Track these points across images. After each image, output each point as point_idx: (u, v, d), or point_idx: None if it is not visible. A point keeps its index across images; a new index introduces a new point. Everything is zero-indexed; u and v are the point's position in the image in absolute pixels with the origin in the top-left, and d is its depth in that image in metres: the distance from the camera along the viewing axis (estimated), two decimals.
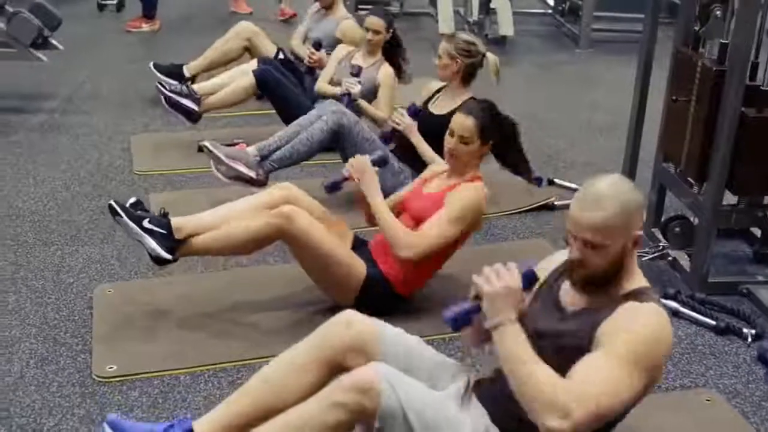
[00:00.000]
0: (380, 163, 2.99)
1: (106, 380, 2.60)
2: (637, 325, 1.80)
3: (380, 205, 2.87)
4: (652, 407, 2.58)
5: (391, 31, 4.25)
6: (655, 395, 2.63)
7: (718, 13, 3.22)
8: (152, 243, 2.78)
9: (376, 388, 1.86)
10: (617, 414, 1.82)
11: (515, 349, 1.81)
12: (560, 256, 2.09)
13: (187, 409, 2.49)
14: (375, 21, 4.21)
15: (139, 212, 2.84)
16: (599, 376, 1.75)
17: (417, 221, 2.91)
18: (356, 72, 4.12)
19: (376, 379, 1.88)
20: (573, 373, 1.78)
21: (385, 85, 4.17)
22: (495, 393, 1.99)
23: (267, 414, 1.99)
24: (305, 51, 4.74)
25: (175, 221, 2.83)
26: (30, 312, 2.96)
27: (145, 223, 2.79)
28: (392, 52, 4.27)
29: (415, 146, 3.65)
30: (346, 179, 2.97)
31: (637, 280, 1.93)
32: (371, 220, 2.99)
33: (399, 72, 4.25)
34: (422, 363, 2.11)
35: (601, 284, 1.91)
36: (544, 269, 2.10)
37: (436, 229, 2.82)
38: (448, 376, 2.11)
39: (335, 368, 2.07)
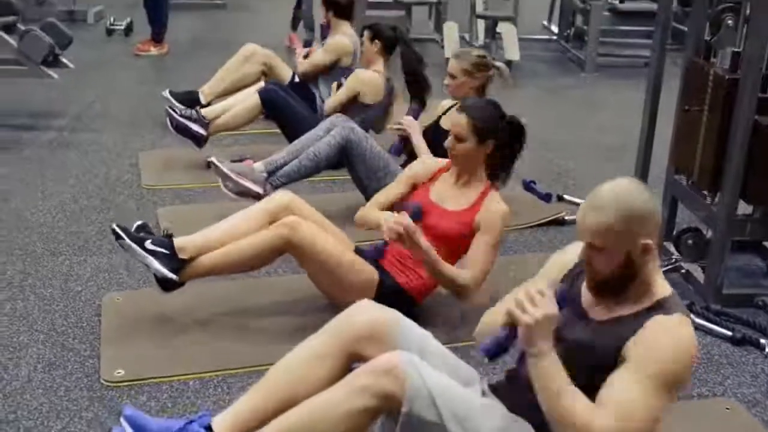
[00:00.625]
0: (417, 214, 2.85)
1: (115, 384, 2.56)
2: (667, 341, 1.75)
3: (437, 260, 2.72)
4: (672, 416, 2.54)
5: (377, 42, 4.26)
6: (674, 404, 2.60)
7: (729, 22, 3.22)
8: (156, 264, 2.75)
9: (400, 369, 1.82)
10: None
11: (552, 377, 1.76)
12: (568, 254, 2.07)
13: (196, 414, 2.44)
14: (364, 33, 4.33)
15: (142, 234, 2.81)
16: (631, 397, 1.71)
17: (440, 239, 2.84)
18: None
19: (401, 362, 1.84)
20: (606, 398, 1.74)
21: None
22: (515, 390, 1.95)
23: (287, 405, 1.95)
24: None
25: (178, 241, 2.80)
26: (38, 318, 2.93)
27: (148, 245, 2.76)
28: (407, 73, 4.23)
29: (415, 147, 3.61)
30: (386, 243, 2.81)
31: (659, 290, 1.86)
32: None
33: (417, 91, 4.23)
34: (436, 356, 2.06)
35: (613, 292, 1.86)
36: (557, 266, 2.08)
37: (484, 258, 2.81)
38: (462, 372, 2.08)
39: (353, 358, 2.03)
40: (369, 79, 4.28)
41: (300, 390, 1.98)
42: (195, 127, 4.39)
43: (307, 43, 4.80)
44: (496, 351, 1.85)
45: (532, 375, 1.79)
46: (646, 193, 1.82)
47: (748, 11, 3.15)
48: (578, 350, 1.85)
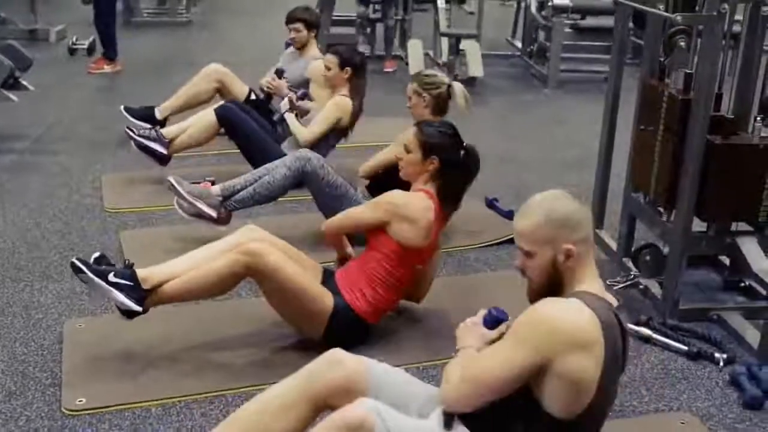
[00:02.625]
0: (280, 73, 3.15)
1: (76, 413, 2.55)
2: (530, 310, 1.87)
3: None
4: (627, 430, 2.60)
5: (348, 69, 4.21)
6: (631, 419, 2.66)
7: (682, 44, 3.30)
8: (120, 297, 2.72)
9: (369, 422, 1.86)
10: (501, 386, 1.86)
11: (462, 360, 2.00)
12: None
13: None
14: (328, 57, 4.25)
15: (103, 267, 2.78)
16: (488, 352, 1.94)
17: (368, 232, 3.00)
18: (301, 96, 4.34)
19: (368, 414, 1.87)
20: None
21: (327, 110, 4.22)
22: (477, 414, 1.98)
23: None
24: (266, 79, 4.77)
25: (141, 272, 2.78)
26: None
27: (111, 277, 2.73)
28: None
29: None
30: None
31: (580, 287, 1.93)
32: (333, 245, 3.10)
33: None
34: (409, 398, 2.10)
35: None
36: None
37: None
38: (434, 404, 2.10)
39: (321, 407, 2.06)
40: (345, 105, 4.23)
41: None
42: (155, 146, 4.41)
43: (279, 73, 4.72)
44: None
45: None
46: (571, 202, 1.97)
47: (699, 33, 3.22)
48: None
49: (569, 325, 1.82)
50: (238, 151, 4.68)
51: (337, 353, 2.15)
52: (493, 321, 2.11)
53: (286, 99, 4.31)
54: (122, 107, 4.99)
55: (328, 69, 4.23)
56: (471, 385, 1.90)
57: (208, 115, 4.48)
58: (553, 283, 1.93)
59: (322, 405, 2.07)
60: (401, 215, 2.89)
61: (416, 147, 2.94)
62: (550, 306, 1.86)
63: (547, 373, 1.82)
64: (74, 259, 2.75)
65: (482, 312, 2.13)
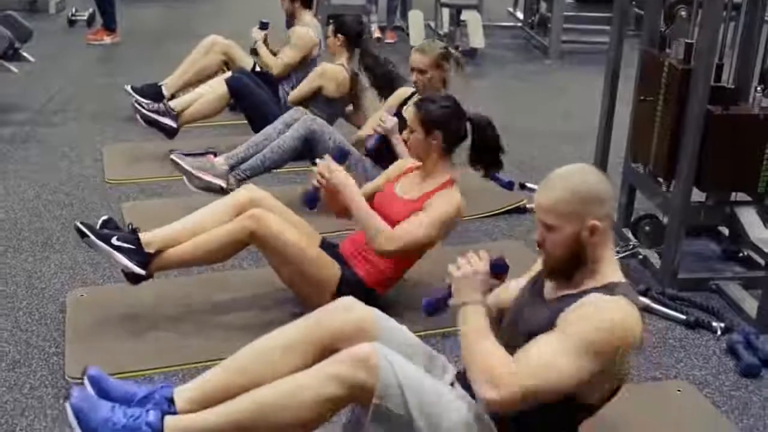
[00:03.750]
0: (342, 158, 2.98)
1: (80, 381, 2.55)
2: (594, 313, 1.80)
3: (357, 200, 2.83)
4: (624, 398, 2.60)
5: (340, 36, 4.28)
6: (628, 386, 2.66)
7: (683, 13, 3.29)
8: (124, 259, 2.76)
9: (374, 362, 1.85)
10: (556, 394, 1.79)
11: (472, 324, 1.87)
12: None
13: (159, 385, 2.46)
14: (328, 27, 4.37)
15: (106, 231, 2.82)
16: (543, 356, 1.77)
17: (390, 224, 2.89)
18: (263, 26, 4.74)
19: (375, 354, 1.86)
20: (522, 353, 1.81)
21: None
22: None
23: (254, 386, 1.94)
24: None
25: (144, 236, 2.82)
26: (1, 316, 2.93)
27: (114, 241, 2.77)
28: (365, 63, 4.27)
29: (394, 147, 3.62)
30: (318, 188, 2.91)
31: (607, 275, 1.91)
32: (342, 212, 2.97)
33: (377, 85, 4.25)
34: (415, 349, 2.10)
35: (566, 272, 1.92)
36: (534, 270, 2.13)
37: (414, 229, 2.82)
38: (439, 369, 2.12)
39: (329, 351, 2.02)
40: (332, 73, 4.29)
41: (269, 375, 1.98)
42: (164, 120, 4.40)
43: (263, 26, 4.79)
44: (434, 307, 2.05)
45: (458, 325, 1.89)
46: (598, 177, 1.91)
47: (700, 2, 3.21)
48: (529, 327, 1.92)
49: (634, 333, 1.80)
50: (238, 122, 4.70)
51: (347, 300, 2.15)
52: (501, 271, 2.01)
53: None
54: (129, 86, 4.91)
55: (327, 36, 4.34)
56: (532, 394, 1.76)
57: (219, 87, 4.48)
58: (573, 258, 1.89)
59: (328, 348, 2.03)
60: (455, 225, 2.95)
61: (418, 125, 2.90)
62: (614, 312, 1.79)
63: (599, 373, 1.80)
64: (78, 223, 2.79)
65: (483, 258, 1.97)
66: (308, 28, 4.73)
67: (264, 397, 1.90)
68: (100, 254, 2.83)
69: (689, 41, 3.24)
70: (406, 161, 3.17)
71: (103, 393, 2.02)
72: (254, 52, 4.89)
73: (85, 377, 2.04)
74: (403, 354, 1.97)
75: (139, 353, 2.73)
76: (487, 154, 3.03)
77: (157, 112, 4.40)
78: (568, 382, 1.77)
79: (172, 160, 3.71)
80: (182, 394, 2.03)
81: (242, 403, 1.91)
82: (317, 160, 2.92)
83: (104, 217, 2.92)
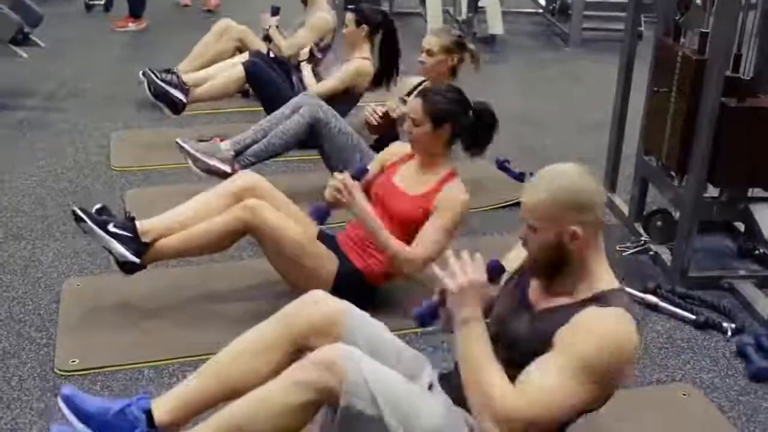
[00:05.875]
0: (361, 175, 2.87)
1: (68, 374, 2.54)
2: (593, 332, 1.72)
3: (374, 223, 2.74)
4: (627, 402, 2.52)
5: (365, 27, 4.17)
6: (631, 390, 2.59)
7: (698, 2, 3.17)
8: (119, 247, 2.72)
9: (340, 364, 1.81)
10: (561, 419, 1.75)
11: (474, 348, 1.78)
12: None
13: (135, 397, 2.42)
14: (348, 16, 4.22)
15: (104, 217, 2.78)
16: (546, 383, 1.71)
17: (395, 220, 2.82)
18: (323, 47, 4.48)
19: (341, 356, 1.83)
20: (524, 380, 1.74)
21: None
22: (458, 383, 1.93)
23: (230, 393, 1.95)
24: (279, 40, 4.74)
25: (141, 224, 2.78)
26: None
27: (110, 228, 2.73)
28: (386, 53, 4.18)
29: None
30: (331, 205, 2.81)
31: (600, 282, 1.83)
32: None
33: (382, 77, 4.18)
34: (386, 348, 2.05)
35: (548, 274, 1.86)
36: (514, 260, 2.05)
37: (433, 242, 2.74)
38: (411, 363, 2.05)
39: (300, 349, 2.02)
40: (366, 71, 4.20)
41: (244, 379, 1.99)
42: (174, 92, 4.34)
43: (274, 10, 4.74)
44: (427, 316, 1.91)
45: (457, 343, 1.80)
46: (585, 181, 1.81)
47: None
48: (518, 338, 1.85)
49: (633, 347, 1.75)
50: (248, 109, 4.64)
51: (316, 293, 2.13)
52: (497, 275, 1.93)
53: (306, 48, 4.29)
54: (142, 72, 4.88)
55: (346, 26, 4.20)
56: (534, 425, 1.70)
57: (235, 70, 4.42)
58: (555, 262, 1.82)
59: (300, 346, 2.03)
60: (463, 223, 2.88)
61: (425, 118, 2.79)
62: (612, 329, 1.73)
63: (601, 391, 1.75)
64: (75, 208, 2.76)
65: (478, 264, 1.85)
66: (327, 13, 4.67)
67: (236, 412, 1.88)
68: (95, 240, 2.78)
69: (704, 30, 3.12)
70: (403, 146, 3.07)
71: (80, 411, 2.00)
72: (267, 38, 4.84)
73: (59, 398, 2.03)
74: (374, 352, 1.94)
75: (130, 346, 2.68)
76: (483, 138, 2.95)
77: (169, 83, 4.33)
78: (571, 409, 1.73)
79: (176, 143, 3.66)
80: (160, 406, 2.00)
81: (218, 421, 1.88)
82: (335, 174, 2.82)
83: (98, 205, 2.87)
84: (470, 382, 1.77)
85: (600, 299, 1.79)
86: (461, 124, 2.83)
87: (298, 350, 2.04)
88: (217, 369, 2.04)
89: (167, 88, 4.32)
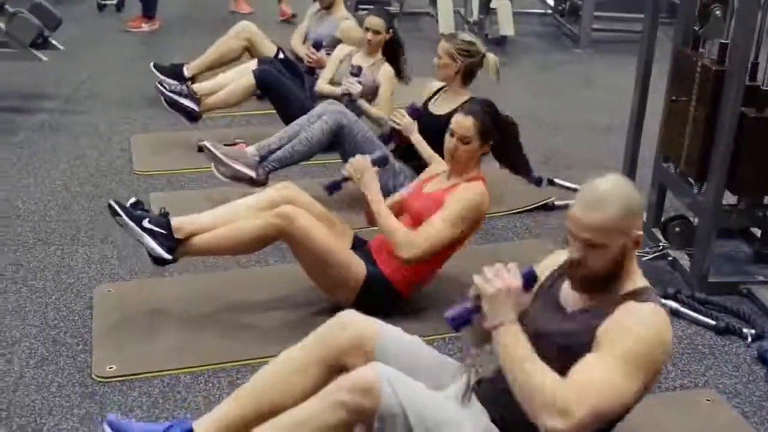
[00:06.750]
0: (381, 162, 2.98)
1: (106, 380, 2.60)
2: (637, 326, 1.80)
3: (379, 205, 2.87)
4: (651, 407, 2.58)
5: (391, 31, 4.24)
6: (655, 395, 2.64)
7: (718, 12, 3.22)
8: (152, 243, 2.78)
9: (376, 389, 1.86)
10: (616, 414, 1.81)
11: (515, 349, 1.81)
12: (560, 257, 2.09)
13: (187, 409, 2.49)
14: (375, 21, 4.20)
15: (138, 212, 2.84)
16: (599, 377, 1.75)
17: (417, 221, 2.90)
18: (356, 72, 4.11)
19: (377, 380, 1.88)
20: (573, 374, 1.78)
21: (385, 84, 4.17)
22: (496, 393, 1.98)
23: (267, 414, 2.00)
24: (304, 51, 4.74)
25: (175, 221, 2.84)
26: (30, 312, 2.96)
27: (145, 223, 2.79)
28: (393, 52, 4.27)
29: (415, 145, 3.64)
30: (346, 179, 2.97)
31: (636, 280, 1.93)
32: (372, 220, 2.98)
33: (399, 73, 4.25)
34: (421, 362, 2.11)
35: (602, 284, 1.91)
36: (545, 267, 2.11)
37: (434, 230, 2.81)
38: (447, 375, 2.11)
39: (335, 368, 2.07)
40: (392, 73, 4.23)
41: (282, 401, 2.04)
42: (186, 102, 4.39)
43: (317, 46, 4.68)
44: (460, 321, 1.92)
45: (497, 349, 1.83)
46: (632, 185, 1.91)
47: (736, 2, 3.14)
48: (554, 341, 1.90)
49: (670, 338, 1.83)
50: (267, 112, 4.68)
51: (346, 314, 2.18)
52: (531, 282, 1.93)
53: (358, 87, 4.08)
54: (151, 64, 5.01)
55: (377, 33, 4.19)
56: (594, 420, 1.73)
57: (246, 77, 4.46)
58: (613, 270, 1.88)
59: (335, 366, 2.08)
60: (479, 220, 2.92)
61: (476, 137, 2.87)
62: (654, 321, 1.82)
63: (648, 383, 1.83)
64: (111, 201, 2.81)
65: (513, 271, 1.87)
66: (353, 21, 4.71)
67: (278, 430, 1.94)
68: (129, 234, 2.83)
69: (724, 41, 3.17)
70: (437, 167, 3.15)
71: None
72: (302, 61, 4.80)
73: (105, 424, 2.11)
74: (407, 368, 1.99)
75: (165, 353, 2.74)
76: (512, 153, 3.08)
77: (179, 94, 4.39)
78: (629, 399, 1.78)
79: (203, 146, 3.71)
80: (203, 426, 2.07)
81: None
82: (357, 155, 2.96)
83: (133, 199, 2.90)
84: (525, 388, 1.77)
85: (638, 294, 1.88)
86: (497, 139, 2.95)
87: (332, 370, 2.09)
88: (253, 394, 2.10)
89: (179, 99, 4.38)
